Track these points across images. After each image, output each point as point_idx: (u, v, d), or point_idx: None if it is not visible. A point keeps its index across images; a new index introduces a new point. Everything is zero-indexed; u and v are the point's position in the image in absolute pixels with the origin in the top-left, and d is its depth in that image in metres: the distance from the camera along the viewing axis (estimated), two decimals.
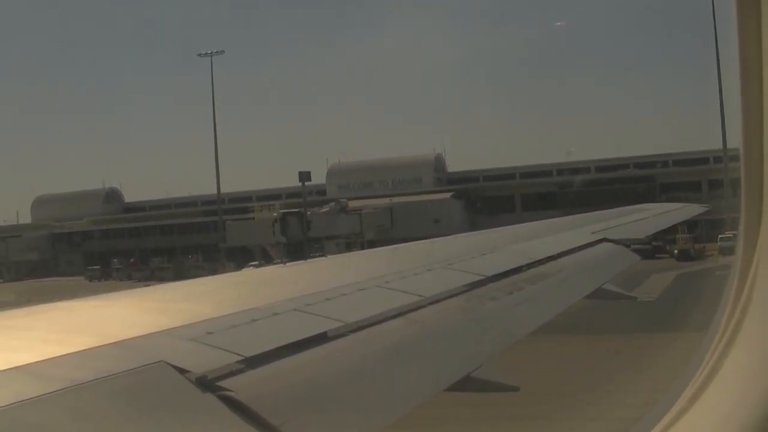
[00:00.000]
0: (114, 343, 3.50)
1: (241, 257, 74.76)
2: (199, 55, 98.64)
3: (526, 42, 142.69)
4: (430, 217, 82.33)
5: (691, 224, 56.71)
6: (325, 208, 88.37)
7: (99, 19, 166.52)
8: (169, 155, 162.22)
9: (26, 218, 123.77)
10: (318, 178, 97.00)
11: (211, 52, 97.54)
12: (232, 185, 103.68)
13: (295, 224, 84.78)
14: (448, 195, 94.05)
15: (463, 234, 12.73)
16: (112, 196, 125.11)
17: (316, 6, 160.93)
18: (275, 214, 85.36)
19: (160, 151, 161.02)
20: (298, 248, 71.66)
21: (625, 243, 11.30)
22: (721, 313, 2.77)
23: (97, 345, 3.44)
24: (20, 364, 3.07)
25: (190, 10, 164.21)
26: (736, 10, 2.51)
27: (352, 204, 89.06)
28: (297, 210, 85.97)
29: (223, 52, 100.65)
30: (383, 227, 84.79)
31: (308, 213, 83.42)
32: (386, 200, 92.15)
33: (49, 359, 3.17)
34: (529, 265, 7.97)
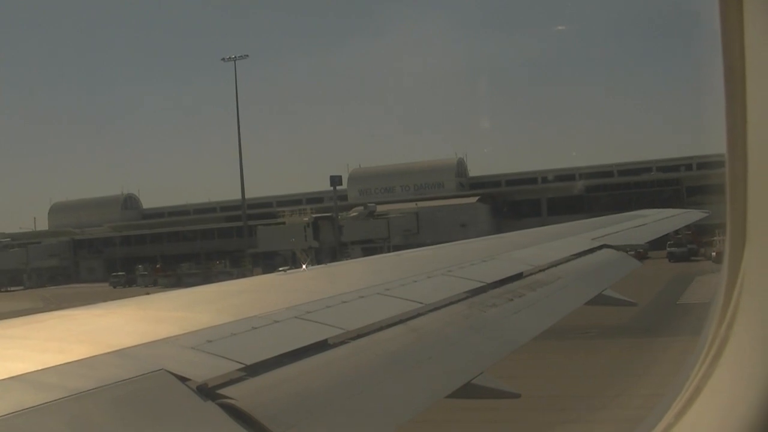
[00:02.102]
0: (114, 351, 3.49)
1: (271, 262, 73.87)
2: (223, 59, 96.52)
3: (536, 49, 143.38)
4: (457, 222, 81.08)
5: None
6: (354, 213, 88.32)
7: (115, 26, 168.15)
8: (181, 161, 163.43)
9: (42, 225, 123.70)
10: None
11: (235, 57, 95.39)
12: (250, 191, 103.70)
13: (327, 229, 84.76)
14: (474, 199, 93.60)
15: (464, 241, 12.73)
16: (130, 202, 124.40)
17: (319, 14, 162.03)
18: (306, 219, 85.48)
19: (171, 156, 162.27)
20: (330, 253, 71.32)
21: (625, 249, 11.30)
22: (712, 319, 2.78)
23: (98, 353, 3.43)
24: (20, 373, 3.06)
25: (201, 17, 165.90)
26: (719, 13, 2.51)
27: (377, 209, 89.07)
28: (329, 214, 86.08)
29: (247, 56, 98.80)
30: (410, 232, 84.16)
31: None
32: (413, 205, 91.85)
33: (48, 368, 3.16)
34: (530, 272, 7.96)
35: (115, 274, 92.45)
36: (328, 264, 9.21)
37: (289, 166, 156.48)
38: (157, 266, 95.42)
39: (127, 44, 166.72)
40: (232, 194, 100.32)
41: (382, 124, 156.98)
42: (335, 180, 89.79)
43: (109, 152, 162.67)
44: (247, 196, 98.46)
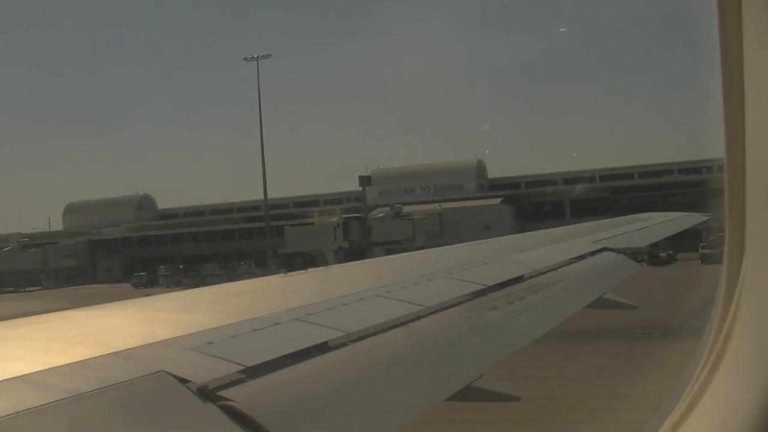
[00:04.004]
0: (115, 352, 3.50)
1: (297, 263, 72.58)
2: (245, 59, 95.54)
3: (543, 50, 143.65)
4: (480, 223, 78.72)
5: None
6: (380, 214, 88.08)
7: (132, 28, 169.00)
8: (182, 162, 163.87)
9: (54, 225, 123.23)
10: (351, 185, 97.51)
11: (257, 56, 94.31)
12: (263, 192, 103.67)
13: (356, 229, 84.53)
14: (497, 201, 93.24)
15: (465, 243, 12.74)
16: (145, 202, 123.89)
17: (319, 15, 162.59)
18: (335, 220, 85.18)
19: (173, 157, 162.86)
20: (359, 253, 71.01)
21: (625, 252, 11.30)
22: (711, 325, 2.78)
23: (98, 355, 3.43)
24: (21, 373, 3.07)
25: (210, 18, 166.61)
26: (717, 15, 2.51)
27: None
28: (358, 215, 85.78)
29: (270, 56, 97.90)
30: (433, 233, 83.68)
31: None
32: (432, 206, 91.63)
33: (49, 369, 3.17)
34: (531, 275, 7.96)
35: (137, 274, 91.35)
36: (330, 266, 9.21)
37: (294, 168, 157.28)
38: (181, 267, 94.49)
39: (133, 45, 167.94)
40: (238, 195, 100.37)
41: (385, 125, 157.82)
42: (364, 180, 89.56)
43: (109, 152, 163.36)
44: (258, 197, 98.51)
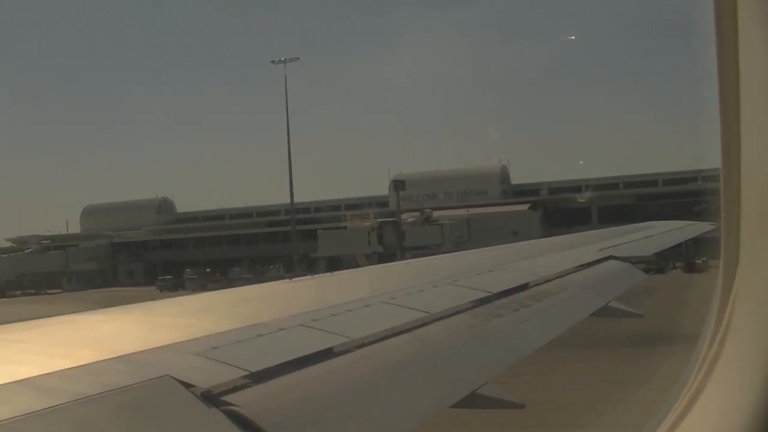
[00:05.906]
0: (119, 357, 3.49)
1: (328, 266, 71.73)
2: (273, 62, 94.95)
3: (554, 57, 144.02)
4: (508, 229, 78.72)
5: None
6: (410, 219, 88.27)
7: (151, 31, 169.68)
8: (193, 165, 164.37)
9: (72, 228, 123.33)
10: (373, 189, 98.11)
11: (285, 59, 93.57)
12: (276, 196, 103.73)
13: (390, 233, 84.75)
14: (525, 207, 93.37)
15: (470, 250, 12.73)
16: (164, 206, 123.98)
17: (320, 22, 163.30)
18: (367, 224, 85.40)
19: (178, 160, 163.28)
20: (391, 258, 71.23)
21: (631, 260, 11.27)
22: (708, 326, 2.78)
23: (102, 359, 3.43)
24: (24, 377, 3.06)
25: (232, 22, 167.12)
26: (714, 19, 2.50)
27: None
28: (392, 219, 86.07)
29: (298, 59, 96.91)
30: (462, 238, 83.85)
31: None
32: (455, 211, 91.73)
33: (53, 373, 3.16)
34: (536, 282, 7.94)
35: (162, 277, 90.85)
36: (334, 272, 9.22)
37: (301, 171, 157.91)
38: (207, 270, 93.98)
39: (149, 48, 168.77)
40: (265, 200, 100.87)
41: (395, 131, 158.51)
42: (398, 185, 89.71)
43: (112, 154, 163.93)
44: (276, 201, 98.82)
